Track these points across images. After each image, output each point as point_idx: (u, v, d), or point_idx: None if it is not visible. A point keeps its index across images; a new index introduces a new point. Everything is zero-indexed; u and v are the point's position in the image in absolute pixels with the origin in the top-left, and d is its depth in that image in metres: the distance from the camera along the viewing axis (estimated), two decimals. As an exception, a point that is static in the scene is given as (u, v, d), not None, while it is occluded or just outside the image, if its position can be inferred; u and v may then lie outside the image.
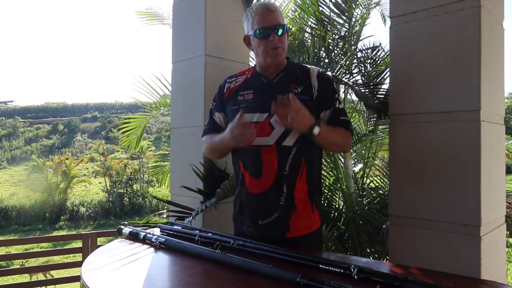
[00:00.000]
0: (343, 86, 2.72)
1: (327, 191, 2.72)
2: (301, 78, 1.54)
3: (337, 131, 1.50)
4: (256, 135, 1.48)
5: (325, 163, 2.76)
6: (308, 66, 1.60)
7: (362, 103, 2.64)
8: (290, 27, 2.86)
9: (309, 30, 2.93)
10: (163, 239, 1.36)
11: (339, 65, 2.62)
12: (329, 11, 2.79)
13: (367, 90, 2.28)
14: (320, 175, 1.66)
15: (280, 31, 1.50)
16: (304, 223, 1.50)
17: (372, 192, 2.79)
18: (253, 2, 2.53)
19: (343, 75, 2.60)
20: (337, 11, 2.75)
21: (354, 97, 3.09)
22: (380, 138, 3.03)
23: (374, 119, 2.81)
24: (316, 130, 1.39)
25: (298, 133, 1.46)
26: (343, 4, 2.70)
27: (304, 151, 1.49)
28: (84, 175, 19.40)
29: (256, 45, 1.53)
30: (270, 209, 1.48)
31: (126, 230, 1.52)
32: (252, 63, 2.67)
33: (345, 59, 2.73)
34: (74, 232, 11.86)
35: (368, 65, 2.77)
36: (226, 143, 1.48)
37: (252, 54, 2.72)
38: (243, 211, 1.57)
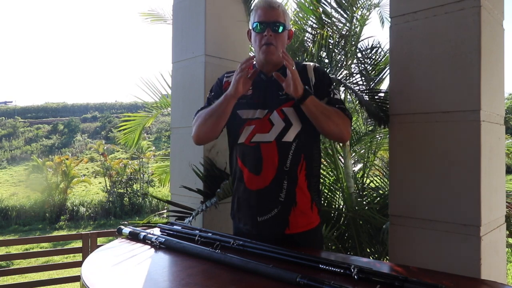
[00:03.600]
0: (343, 87, 2.73)
1: (327, 191, 2.72)
2: (298, 73, 1.53)
3: (333, 109, 1.48)
4: (256, 132, 1.50)
5: (325, 163, 2.76)
6: (304, 62, 1.61)
7: (360, 105, 2.64)
8: (293, 29, 2.86)
9: (309, 30, 2.93)
10: (163, 239, 1.36)
11: (341, 66, 2.62)
12: (330, 9, 2.79)
13: (366, 92, 2.28)
14: (319, 173, 1.66)
15: (277, 29, 1.50)
16: (304, 220, 1.50)
17: (372, 192, 2.79)
18: (255, 2, 2.52)
19: (346, 77, 2.60)
20: (339, 9, 2.75)
21: (353, 98, 3.09)
22: (380, 138, 3.03)
23: (373, 119, 2.81)
24: (307, 96, 1.40)
25: (297, 128, 1.47)
26: (345, 2, 2.70)
27: (303, 147, 1.50)
28: (84, 175, 19.36)
29: (253, 40, 1.55)
30: (269, 206, 1.48)
31: (126, 230, 1.52)
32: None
33: (345, 60, 2.73)
34: (74, 232, 11.84)
35: (368, 65, 2.77)
36: (227, 98, 1.47)
37: (252, 54, 2.73)
38: (240, 208, 1.56)
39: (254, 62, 1.66)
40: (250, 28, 1.57)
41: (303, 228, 1.50)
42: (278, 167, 1.47)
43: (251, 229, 1.52)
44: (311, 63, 1.60)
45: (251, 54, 2.70)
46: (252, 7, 1.55)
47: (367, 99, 2.16)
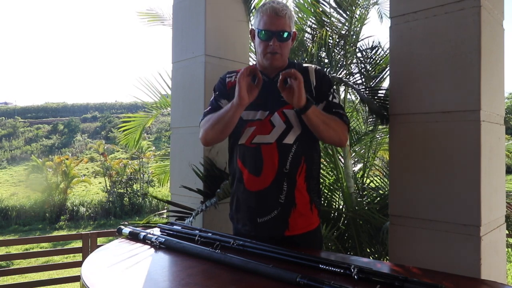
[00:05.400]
0: (343, 86, 2.72)
1: (327, 191, 2.71)
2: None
3: (331, 117, 1.49)
4: (257, 133, 1.50)
5: (325, 163, 2.76)
6: (306, 64, 1.61)
7: (364, 105, 2.64)
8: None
9: (309, 30, 2.93)
10: (163, 239, 1.36)
11: (340, 66, 2.62)
12: (329, 10, 2.79)
13: (367, 91, 2.28)
14: (319, 175, 1.66)
15: (283, 37, 1.49)
16: (303, 222, 1.50)
17: (372, 192, 2.79)
18: (255, 2, 2.53)
19: (346, 76, 2.60)
20: (338, 9, 2.75)
21: (354, 97, 3.09)
22: (380, 138, 3.03)
23: (374, 118, 2.82)
24: (309, 106, 1.39)
25: (298, 131, 1.47)
26: (344, 2, 2.70)
27: (304, 150, 1.50)
28: (84, 175, 19.36)
29: (257, 44, 1.55)
30: (269, 207, 1.48)
31: (126, 230, 1.52)
32: (252, 63, 2.67)
33: (345, 59, 2.73)
34: (74, 232, 11.84)
35: (368, 65, 2.77)
36: (233, 106, 1.43)
37: (252, 55, 2.73)
38: (239, 209, 1.56)
39: (255, 63, 1.66)
40: (254, 29, 1.56)
41: (302, 230, 1.50)
42: (278, 169, 1.47)
43: (250, 231, 1.51)
44: (313, 65, 1.60)
45: (251, 54, 2.70)
46: (252, 7, 1.54)
47: (369, 97, 2.16)
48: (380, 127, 2.86)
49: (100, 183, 17.62)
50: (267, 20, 1.49)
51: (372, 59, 2.79)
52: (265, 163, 1.48)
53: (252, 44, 2.69)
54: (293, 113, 1.49)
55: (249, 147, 1.51)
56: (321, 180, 2.54)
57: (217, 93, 1.64)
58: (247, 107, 1.51)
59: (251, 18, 2.55)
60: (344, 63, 2.73)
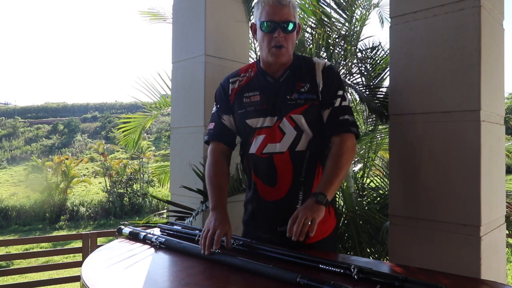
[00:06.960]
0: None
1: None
2: (307, 75, 1.45)
3: (341, 160, 1.37)
4: (267, 141, 1.43)
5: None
6: (314, 60, 1.51)
7: (362, 103, 2.64)
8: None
9: (309, 30, 2.93)
10: (163, 239, 1.36)
11: (341, 65, 2.62)
12: (329, 10, 2.79)
13: (367, 91, 2.28)
14: None
15: (288, 29, 1.39)
16: (322, 228, 1.41)
17: (372, 192, 2.79)
18: (255, 2, 2.52)
19: (346, 75, 2.60)
20: (338, 9, 2.75)
21: (354, 97, 3.09)
22: (380, 138, 3.03)
23: (374, 118, 2.82)
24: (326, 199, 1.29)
25: (310, 135, 1.41)
26: (343, 2, 2.70)
27: (317, 153, 1.44)
28: (84, 175, 19.35)
29: (260, 38, 1.44)
30: (287, 217, 1.36)
31: (126, 230, 1.52)
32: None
33: (345, 59, 2.73)
34: (74, 232, 11.83)
35: (368, 65, 2.77)
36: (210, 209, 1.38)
37: (252, 54, 2.72)
38: (255, 216, 1.52)
39: (258, 59, 1.56)
40: (256, 23, 1.45)
41: (323, 235, 1.44)
42: (293, 178, 1.42)
43: (271, 237, 1.44)
44: (321, 62, 1.48)
45: (252, 52, 2.70)
46: (252, 7, 1.51)
47: (369, 96, 2.16)
48: (380, 127, 2.86)
49: (100, 183, 17.61)
50: (269, 10, 1.38)
51: (372, 59, 2.79)
52: (279, 174, 1.42)
53: (253, 42, 2.69)
54: (302, 118, 1.40)
55: (260, 157, 1.44)
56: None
57: (218, 106, 1.56)
58: (253, 114, 1.45)
59: (251, 18, 2.55)
60: (344, 63, 2.72)
